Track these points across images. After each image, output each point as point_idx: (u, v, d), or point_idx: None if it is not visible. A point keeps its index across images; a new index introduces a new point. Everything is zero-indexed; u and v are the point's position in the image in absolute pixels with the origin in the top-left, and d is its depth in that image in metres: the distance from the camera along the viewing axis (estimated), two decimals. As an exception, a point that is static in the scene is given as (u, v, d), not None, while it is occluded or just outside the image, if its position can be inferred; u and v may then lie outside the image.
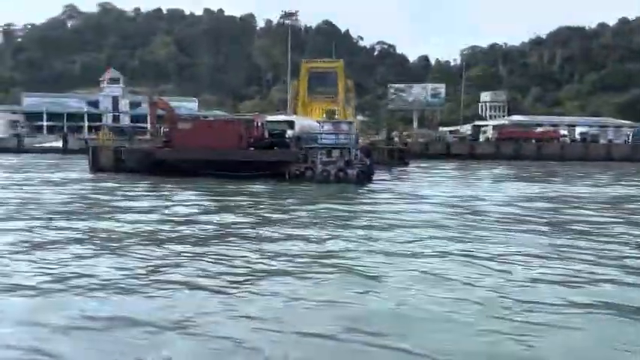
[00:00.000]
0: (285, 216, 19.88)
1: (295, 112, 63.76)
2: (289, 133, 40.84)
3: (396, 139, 73.20)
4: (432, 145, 77.75)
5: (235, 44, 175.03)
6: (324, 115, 59.82)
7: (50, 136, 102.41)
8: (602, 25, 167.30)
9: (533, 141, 79.79)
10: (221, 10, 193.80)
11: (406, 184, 36.34)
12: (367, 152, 39.38)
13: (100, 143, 45.44)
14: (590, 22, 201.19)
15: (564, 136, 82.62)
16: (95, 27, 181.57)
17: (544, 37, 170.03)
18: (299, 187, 31.50)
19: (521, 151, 75.26)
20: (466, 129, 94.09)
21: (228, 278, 10.94)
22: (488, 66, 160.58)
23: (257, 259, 12.63)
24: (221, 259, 12.50)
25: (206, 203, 23.35)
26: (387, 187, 32.70)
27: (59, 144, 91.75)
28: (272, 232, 16.18)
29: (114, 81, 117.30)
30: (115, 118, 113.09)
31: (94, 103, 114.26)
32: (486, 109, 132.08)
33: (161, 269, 11.65)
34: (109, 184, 32.50)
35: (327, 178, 34.48)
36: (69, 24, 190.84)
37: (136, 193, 28.03)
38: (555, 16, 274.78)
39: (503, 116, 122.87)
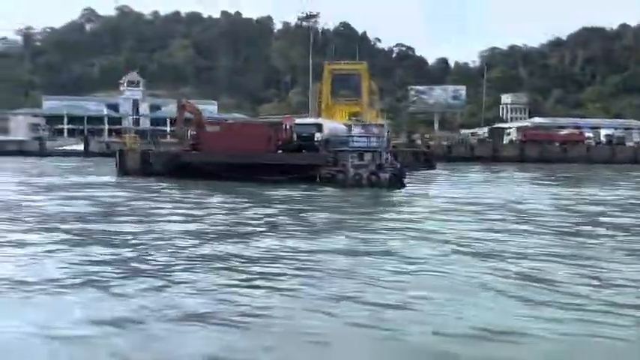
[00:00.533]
0: (367, 223, 19.09)
1: (318, 115, 63.49)
2: (317, 136, 40.54)
3: (419, 141, 72.79)
4: (455, 147, 77.20)
5: (253, 47, 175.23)
6: (348, 118, 59.58)
7: (71, 139, 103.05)
8: (624, 26, 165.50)
9: (557, 144, 78.93)
10: (238, 13, 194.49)
11: (443, 187, 36.03)
12: (394, 156, 39.05)
13: (127, 146, 45.20)
14: (610, 23, 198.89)
15: (589, 138, 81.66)
16: (113, 30, 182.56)
17: (564, 38, 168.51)
18: (343, 192, 31.23)
19: (546, 153, 74.45)
20: (483, 132, 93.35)
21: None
22: (507, 68, 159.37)
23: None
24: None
25: (270, 211, 22.39)
26: (424, 191, 32.36)
27: (80, 147, 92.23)
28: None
29: (134, 84, 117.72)
30: (135, 122, 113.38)
31: (114, 106, 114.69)
32: (507, 111, 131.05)
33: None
34: (154, 188, 32.50)
35: (359, 181, 34.05)
36: (87, 27, 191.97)
37: (188, 197, 27.44)
38: (574, 17, 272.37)
39: (525, 118, 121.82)
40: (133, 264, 12.32)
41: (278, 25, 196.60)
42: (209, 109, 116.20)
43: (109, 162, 73.23)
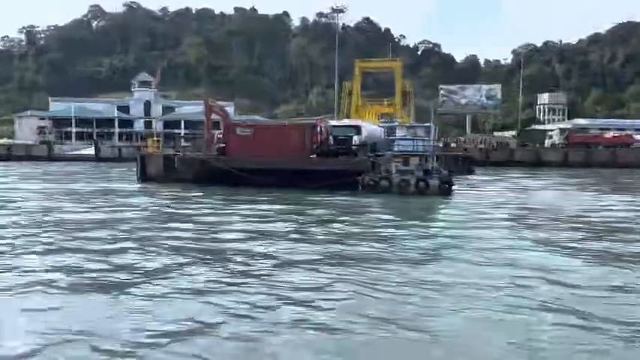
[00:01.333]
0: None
1: (347, 116, 62.86)
2: (356, 139, 39.78)
3: (454, 144, 71.89)
4: (493, 151, 76.19)
5: (269, 45, 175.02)
6: (378, 119, 58.87)
7: (79, 143, 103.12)
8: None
9: (600, 147, 77.63)
10: (253, 9, 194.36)
11: (498, 193, 35.16)
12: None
13: (150, 151, 44.71)
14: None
15: (638, 141, 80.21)
16: (121, 28, 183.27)
17: (603, 33, 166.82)
18: (394, 201, 30.49)
19: (593, 158, 73.21)
20: (509, 135, 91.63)
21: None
22: (543, 65, 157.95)
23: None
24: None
25: (341, 226, 21.20)
26: (479, 199, 31.45)
27: (91, 151, 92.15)
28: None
29: (145, 84, 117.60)
30: (147, 124, 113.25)
31: (125, 109, 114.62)
32: (544, 112, 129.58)
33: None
34: (187, 196, 31.88)
35: (405, 188, 33.25)
36: (94, 25, 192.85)
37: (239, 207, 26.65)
38: (612, 11, 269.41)
39: (563, 120, 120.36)
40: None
41: (295, 22, 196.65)
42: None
43: (122, 167, 73.58)
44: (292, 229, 19.69)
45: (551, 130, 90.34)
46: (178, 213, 24.03)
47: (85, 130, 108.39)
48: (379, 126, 49.67)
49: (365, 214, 25.22)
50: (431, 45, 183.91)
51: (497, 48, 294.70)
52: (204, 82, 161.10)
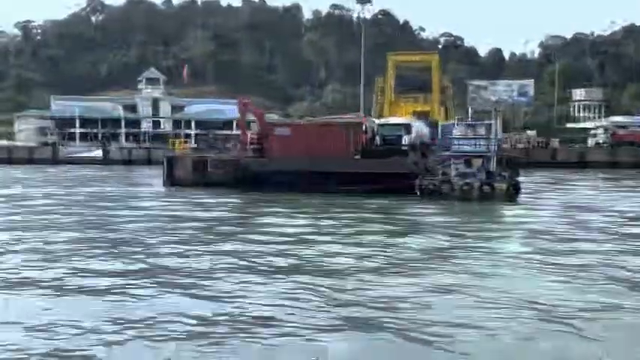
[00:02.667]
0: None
1: (379, 115, 61.62)
2: (405, 138, 38.54)
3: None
4: (533, 151, 74.96)
5: (280, 39, 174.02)
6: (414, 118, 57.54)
7: (83, 144, 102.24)
8: None
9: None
10: (262, 1, 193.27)
11: (570, 198, 34.03)
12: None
13: (178, 153, 43.65)
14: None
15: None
16: (122, 22, 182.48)
17: (638, 24, 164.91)
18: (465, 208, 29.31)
19: (643, 157, 71.84)
20: (529, 135, 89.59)
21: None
22: (573, 59, 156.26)
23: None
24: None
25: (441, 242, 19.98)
26: (556, 204, 30.33)
27: (97, 154, 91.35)
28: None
29: (153, 82, 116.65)
30: (155, 124, 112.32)
31: (132, 107, 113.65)
32: (579, 109, 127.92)
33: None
34: (244, 203, 30.97)
35: (468, 193, 32.01)
36: (93, 19, 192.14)
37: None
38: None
39: (599, 117, 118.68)
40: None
41: (307, 15, 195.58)
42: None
43: (134, 170, 72.69)
44: (446, 244, 18.26)
45: (594, 128, 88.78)
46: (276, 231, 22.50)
47: (90, 130, 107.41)
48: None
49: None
50: (452, 38, 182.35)
51: (522, 41, 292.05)
52: (211, 79, 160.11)
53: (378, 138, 38.81)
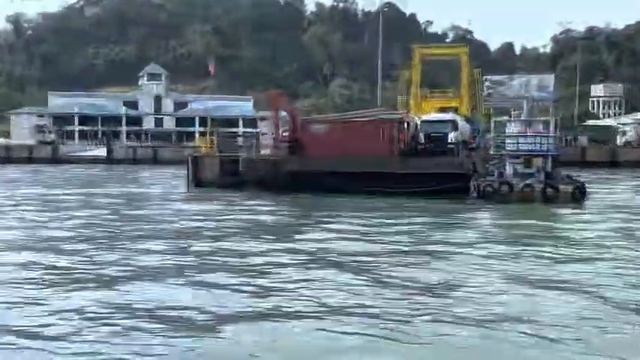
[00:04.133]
0: None
1: (406, 110, 60.25)
2: (451, 136, 37.10)
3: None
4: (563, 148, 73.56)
5: (283, 33, 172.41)
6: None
7: (82, 143, 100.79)
8: None
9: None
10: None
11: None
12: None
13: (204, 152, 42.08)
14: None
15: None
16: (118, 16, 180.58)
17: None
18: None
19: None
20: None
21: None
22: (589, 53, 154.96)
23: None
24: None
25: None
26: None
27: (101, 153, 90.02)
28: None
29: (155, 77, 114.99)
30: (158, 122, 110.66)
31: (132, 104, 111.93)
32: (599, 106, 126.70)
33: None
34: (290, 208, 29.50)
35: (529, 195, 30.53)
36: (87, 12, 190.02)
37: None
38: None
39: (620, 113, 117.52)
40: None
41: (310, 7, 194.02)
42: (245, 106, 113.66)
43: (144, 170, 71.19)
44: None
45: (620, 126, 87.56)
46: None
47: (90, 128, 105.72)
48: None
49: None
50: (462, 32, 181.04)
51: (534, 34, 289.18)
52: (213, 75, 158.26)
53: (421, 135, 37.29)
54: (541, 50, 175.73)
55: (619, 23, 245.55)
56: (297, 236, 20.13)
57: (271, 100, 41.40)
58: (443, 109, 59.76)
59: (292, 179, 35.08)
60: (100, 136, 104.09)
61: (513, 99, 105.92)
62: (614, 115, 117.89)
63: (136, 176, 60.43)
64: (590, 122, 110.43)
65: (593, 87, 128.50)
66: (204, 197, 34.25)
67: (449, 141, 36.68)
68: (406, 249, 17.66)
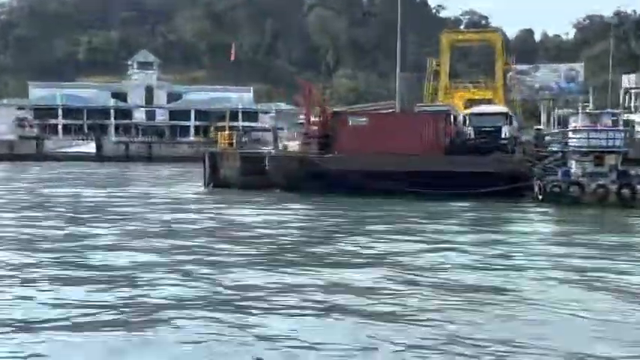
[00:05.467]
0: None
1: (431, 102, 58.99)
2: (505, 131, 35.91)
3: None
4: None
5: (282, 19, 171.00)
6: (465, 107, 55.04)
7: (67, 137, 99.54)
8: None
9: None
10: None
11: None
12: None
13: (223, 148, 40.87)
14: None
15: None
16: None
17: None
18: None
19: None
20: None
21: None
22: (617, 41, 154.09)
23: None
24: None
25: None
26: None
27: (88, 148, 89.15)
28: None
29: (145, 66, 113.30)
30: (149, 114, 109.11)
31: (121, 96, 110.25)
32: (631, 98, 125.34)
33: None
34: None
35: (604, 198, 29.38)
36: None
37: None
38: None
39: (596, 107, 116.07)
40: None
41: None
42: (244, 97, 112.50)
43: (142, 168, 70.14)
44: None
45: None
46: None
47: (75, 121, 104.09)
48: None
49: None
50: (477, 17, 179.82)
51: (555, 19, 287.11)
52: (207, 64, 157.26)
53: (470, 130, 36.07)
54: (563, 38, 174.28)
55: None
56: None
57: (304, 90, 40.02)
58: (473, 101, 58.52)
59: (326, 179, 33.91)
60: (85, 130, 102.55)
61: (540, 90, 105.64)
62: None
63: (137, 174, 59.45)
64: (625, 116, 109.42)
65: (624, 77, 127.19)
66: (233, 200, 33.10)
67: (502, 136, 35.45)
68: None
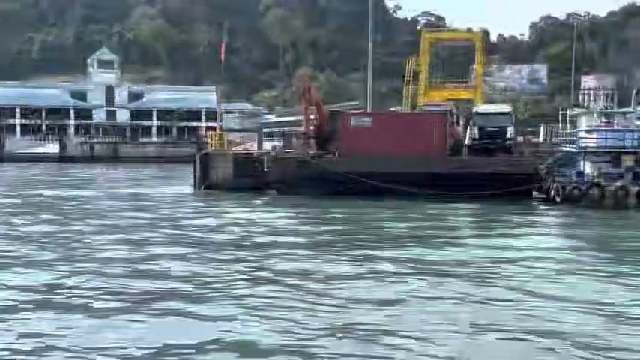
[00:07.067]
0: None
1: (412, 105, 57.87)
2: (510, 131, 34.81)
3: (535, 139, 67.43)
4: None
5: (240, 17, 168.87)
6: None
7: (25, 138, 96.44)
8: None
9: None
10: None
11: None
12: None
13: (215, 149, 39.03)
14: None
15: None
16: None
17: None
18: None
19: None
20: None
21: None
22: (571, 43, 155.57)
23: None
24: None
25: None
26: None
27: (51, 149, 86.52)
28: None
29: (106, 65, 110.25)
30: (110, 114, 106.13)
31: (81, 95, 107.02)
32: (589, 99, 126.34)
33: None
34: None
35: (623, 200, 28.39)
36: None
37: None
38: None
39: (612, 107, 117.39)
40: None
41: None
42: (208, 97, 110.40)
43: (111, 169, 67.77)
44: None
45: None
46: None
47: (32, 122, 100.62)
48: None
49: None
50: (433, 18, 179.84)
51: (510, 20, 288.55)
52: (164, 63, 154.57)
53: (475, 130, 34.84)
54: (519, 38, 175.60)
55: (600, 11, 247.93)
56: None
57: (303, 88, 38.31)
58: (449, 100, 57.49)
59: (328, 181, 32.45)
60: (45, 130, 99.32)
61: (504, 91, 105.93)
62: (607, 108, 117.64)
63: (111, 176, 57.28)
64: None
65: (583, 78, 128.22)
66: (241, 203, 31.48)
67: (508, 136, 34.38)
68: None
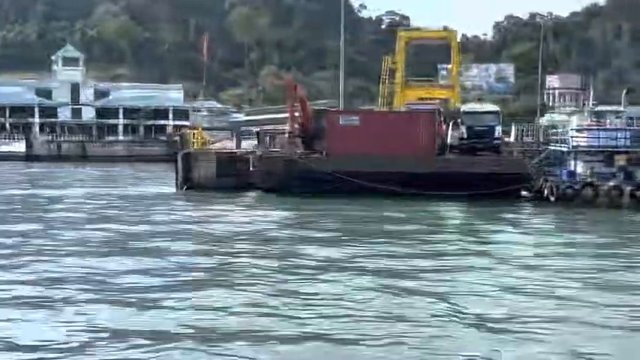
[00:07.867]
0: None
1: (389, 103, 57.54)
2: (498, 130, 34.56)
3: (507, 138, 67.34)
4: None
5: (205, 15, 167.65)
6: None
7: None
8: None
9: None
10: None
11: None
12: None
13: (197, 147, 38.20)
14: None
15: None
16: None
17: (602, 4, 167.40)
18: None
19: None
20: None
21: None
22: (536, 42, 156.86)
23: None
24: None
25: None
26: None
27: (17, 148, 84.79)
28: None
29: (71, 62, 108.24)
30: (75, 112, 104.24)
31: (46, 93, 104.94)
32: (554, 98, 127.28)
33: None
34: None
35: (617, 199, 28.23)
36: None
37: None
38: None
39: (577, 106, 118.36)
40: None
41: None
42: (174, 96, 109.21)
43: (79, 167, 66.39)
44: None
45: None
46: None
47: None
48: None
49: None
50: (397, 17, 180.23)
51: (475, 20, 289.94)
52: (128, 61, 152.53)
53: (463, 129, 34.52)
54: (482, 38, 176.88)
55: (562, 11, 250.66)
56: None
57: (288, 87, 37.62)
58: (424, 99, 57.20)
59: (315, 180, 31.88)
60: (8, 128, 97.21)
61: (471, 90, 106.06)
62: (568, 108, 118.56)
63: (86, 175, 56.04)
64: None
65: (548, 78, 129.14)
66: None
67: (496, 135, 34.12)
68: None
